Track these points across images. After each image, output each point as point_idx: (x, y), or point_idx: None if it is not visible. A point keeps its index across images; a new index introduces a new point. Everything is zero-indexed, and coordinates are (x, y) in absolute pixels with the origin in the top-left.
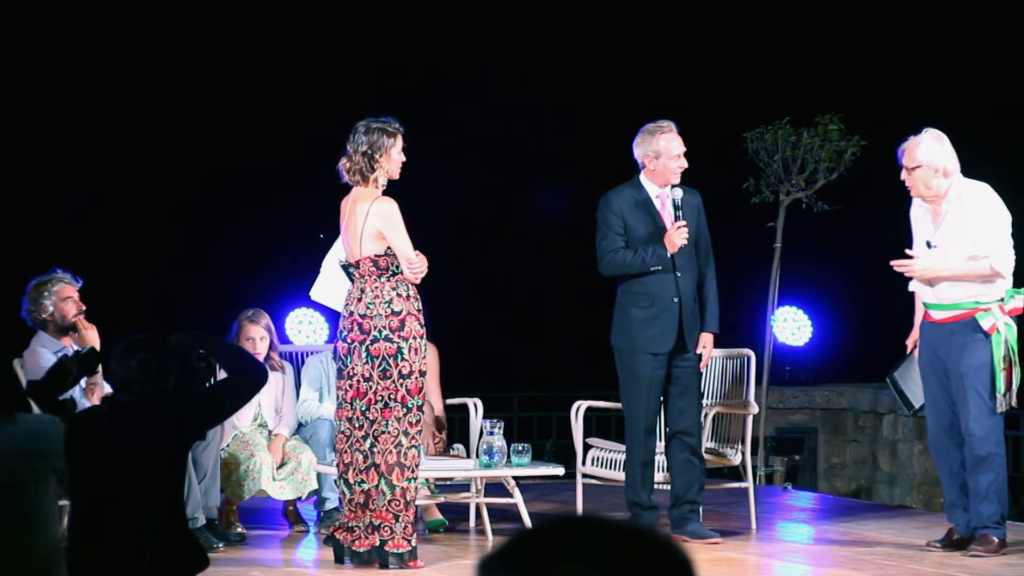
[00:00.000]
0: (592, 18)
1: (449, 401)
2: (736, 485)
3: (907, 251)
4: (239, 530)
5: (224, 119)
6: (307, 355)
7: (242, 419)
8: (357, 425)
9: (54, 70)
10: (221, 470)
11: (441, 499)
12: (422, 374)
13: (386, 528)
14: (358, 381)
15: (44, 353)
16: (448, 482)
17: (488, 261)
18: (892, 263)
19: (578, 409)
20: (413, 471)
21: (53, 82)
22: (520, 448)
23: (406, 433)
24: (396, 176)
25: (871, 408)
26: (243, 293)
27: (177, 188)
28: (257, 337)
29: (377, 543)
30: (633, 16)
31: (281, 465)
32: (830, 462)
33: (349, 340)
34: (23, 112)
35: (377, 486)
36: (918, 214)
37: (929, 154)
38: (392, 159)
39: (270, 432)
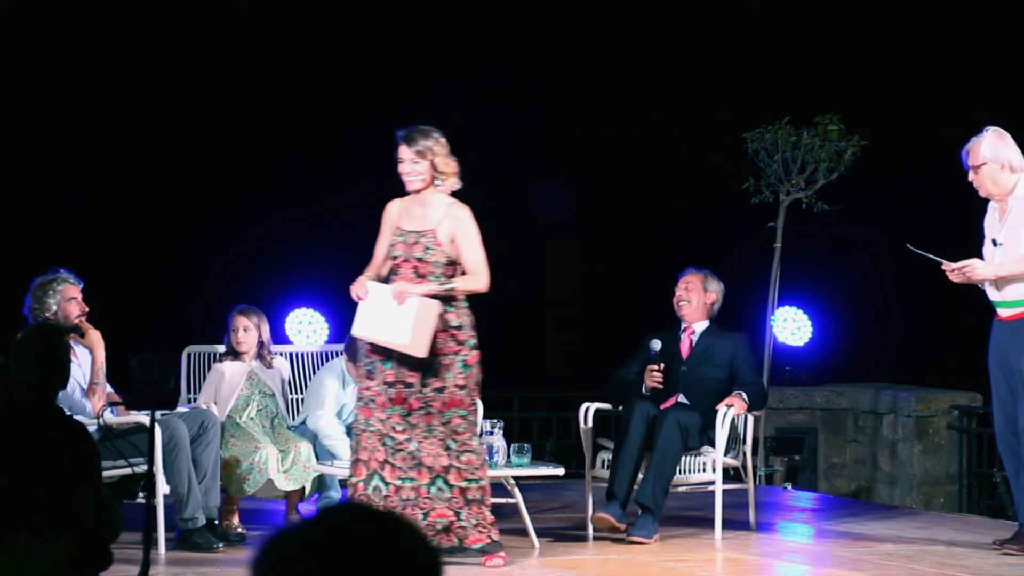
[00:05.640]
0: (592, 18)
1: None
2: (736, 485)
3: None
4: (239, 530)
5: (224, 120)
6: (306, 355)
7: (241, 415)
8: None
9: (55, 70)
10: (223, 468)
11: None
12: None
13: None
14: None
15: None
16: None
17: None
18: (951, 272)
19: (587, 411)
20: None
21: (54, 82)
22: (520, 448)
23: None
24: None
25: (871, 408)
26: (243, 293)
27: (177, 188)
28: (241, 328)
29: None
30: (633, 16)
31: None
32: (830, 462)
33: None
34: (24, 112)
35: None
36: (993, 219)
37: (994, 150)
38: None
39: (270, 424)
